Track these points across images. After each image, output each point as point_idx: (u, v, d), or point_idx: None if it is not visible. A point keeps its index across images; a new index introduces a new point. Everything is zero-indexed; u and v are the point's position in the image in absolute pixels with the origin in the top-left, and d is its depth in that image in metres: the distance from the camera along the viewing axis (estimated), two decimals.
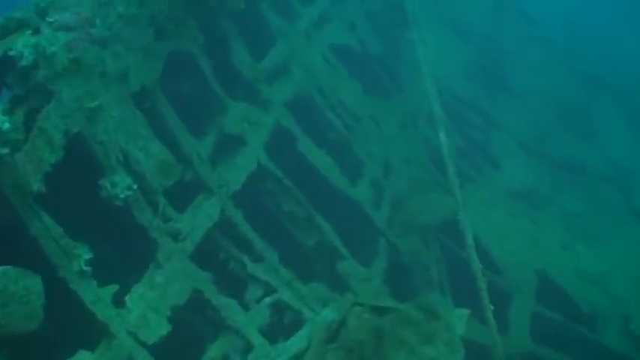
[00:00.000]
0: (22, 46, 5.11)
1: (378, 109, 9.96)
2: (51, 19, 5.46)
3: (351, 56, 10.26)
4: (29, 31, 5.27)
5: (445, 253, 8.95)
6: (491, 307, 6.95)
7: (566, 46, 17.63)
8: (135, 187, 5.73)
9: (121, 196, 5.63)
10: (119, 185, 5.64)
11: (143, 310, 5.48)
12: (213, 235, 6.49)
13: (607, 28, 20.22)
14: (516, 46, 16.04)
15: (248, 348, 6.21)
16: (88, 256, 5.27)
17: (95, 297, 5.26)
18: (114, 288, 5.39)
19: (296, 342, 6.22)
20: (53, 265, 5.13)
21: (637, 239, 11.54)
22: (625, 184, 12.80)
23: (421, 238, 8.83)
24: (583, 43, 18.27)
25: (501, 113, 12.98)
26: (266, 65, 8.20)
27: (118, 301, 5.43)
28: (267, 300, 6.53)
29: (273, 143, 7.71)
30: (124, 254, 6.05)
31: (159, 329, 5.57)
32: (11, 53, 5.09)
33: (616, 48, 18.80)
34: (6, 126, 4.77)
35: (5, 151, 4.76)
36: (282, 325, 6.56)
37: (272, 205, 7.52)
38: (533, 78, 14.98)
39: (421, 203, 9.06)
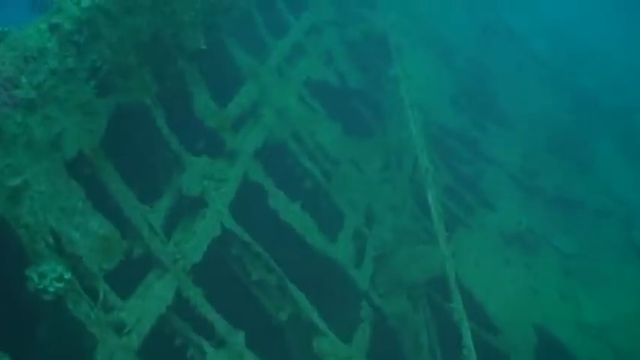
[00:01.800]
0: None
1: (360, 151, 9.12)
2: None
3: (329, 92, 9.43)
4: None
5: (436, 312, 8.09)
6: None
7: (557, 65, 16.93)
8: (68, 275, 4.81)
9: (51, 289, 4.71)
10: (48, 276, 4.72)
11: None
12: (166, 320, 5.57)
13: (600, 44, 19.53)
14: (505, 68, 15.30)
15: None
16: None
17: None
18: None
19: None
20: None
21: (638, 281, 10.73)
22: (625, 218, 12.00)
23: (409, 298, 7.97)
24: (575, 60, 17.60)
25: (492, 144, 12.18)
26: (232, 111, 7.33)
27: None
28: None
29: (240, 201, 6.83)
30: None
31: None
32: None
33: (609, 65, 18.14)
34: None
35: None
36: None
37: (239, 274, 6.62)
38: (524, 103, 14.24)
39: (407, 257, 8.20)
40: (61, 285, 4.76)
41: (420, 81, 12.03)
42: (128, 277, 5.49)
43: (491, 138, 12.35)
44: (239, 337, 5.97)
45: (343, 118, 9.29)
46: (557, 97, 15.26)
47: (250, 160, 7.22)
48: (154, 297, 5.50)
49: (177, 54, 6.72)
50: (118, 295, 5.30)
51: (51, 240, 4.86)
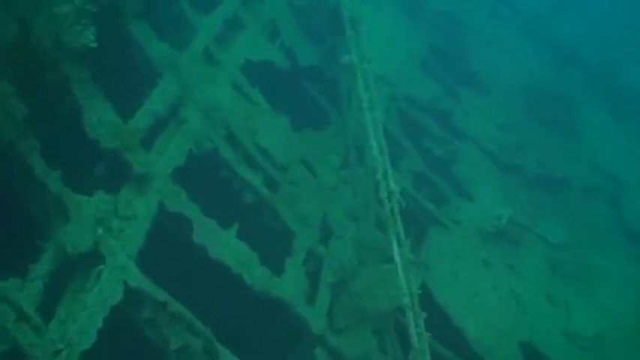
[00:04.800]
0: None
1: (313, 147, 7.57)
2: None
3: (273, 76, 7.80)
4: None
5: (406, 347, 6.77)
6: None
7: (534, 13, 15.31)
8: None
9: None
10: None
11: None
12: None
13: None
14: (478, 19, 13.62)
15: None
16: None
17: None
18: None
19: None
20: None
21: (630, 273, 9.55)
22: (614, 196, 10.75)
23: (374, 332, 6.64)
24: (552, 7, 16.02)
25: (467, 115, 10.67)
26: (140, 122, 5.69)
27: None
28: None
29: (153, 244, 5.32)
30: None
31: None
32: None
33: (590, 11, 16.60)
34: None
35: None
36: None
37: (154, 343, 5.17)
38: (500, 61, 12.68)
39: (370, 281, 6.79)
40: None
41: (385, 44, 10.47)
42: None
43: (466, 107, 10.83)
44: None
45: (292, 106, 7.71)
46: (535, 50, 13.70)
47: (167, 184, 5.67)
48: None
49: (58, 56, 5.06)
50: None
51: None
